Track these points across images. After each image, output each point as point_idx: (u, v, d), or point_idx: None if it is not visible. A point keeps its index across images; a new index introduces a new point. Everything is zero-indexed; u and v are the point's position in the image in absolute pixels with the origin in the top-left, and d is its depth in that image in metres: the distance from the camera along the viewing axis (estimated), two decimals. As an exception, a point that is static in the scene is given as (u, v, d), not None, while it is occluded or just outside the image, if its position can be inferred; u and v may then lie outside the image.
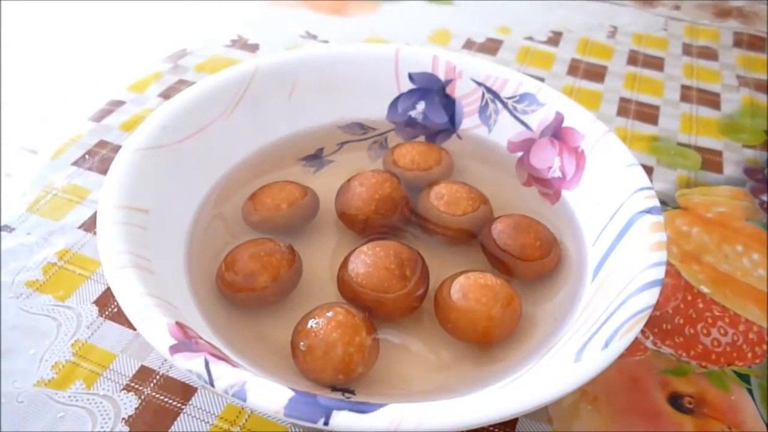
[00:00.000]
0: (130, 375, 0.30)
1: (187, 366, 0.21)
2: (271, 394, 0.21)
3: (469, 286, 0.27)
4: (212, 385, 0.21)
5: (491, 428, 0.29)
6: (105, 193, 0.27)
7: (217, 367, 0.21)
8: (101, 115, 0.45)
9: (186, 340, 0.22)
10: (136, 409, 0.29)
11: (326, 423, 0.20)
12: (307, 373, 0.25)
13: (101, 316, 0.32)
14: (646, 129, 0.47)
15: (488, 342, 0.27)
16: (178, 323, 0.23)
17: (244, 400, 0.21)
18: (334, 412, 0.20)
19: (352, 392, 0.25)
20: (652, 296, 0.24)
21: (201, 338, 0.23)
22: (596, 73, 0.53)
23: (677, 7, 0.63)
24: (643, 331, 0.33)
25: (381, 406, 0.21)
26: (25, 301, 0.33)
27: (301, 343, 0.25)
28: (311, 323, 0.25)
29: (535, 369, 0.25)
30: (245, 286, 0.27)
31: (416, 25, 0.58)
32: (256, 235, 0.31)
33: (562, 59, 0.55)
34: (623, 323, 0.23)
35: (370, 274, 0.27)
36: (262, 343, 0.27)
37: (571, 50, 0.56)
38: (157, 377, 0.30)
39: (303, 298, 0.29)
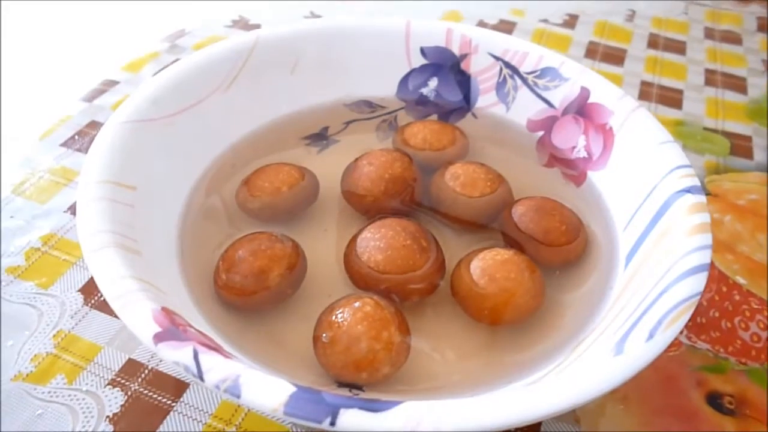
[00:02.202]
0: (116, 369, 0.27)
1: (173, 357, 0.19)
2: (269, 390, 0.18)
3: (489, 267, 0.25)
4: (201, 378, 0.18)
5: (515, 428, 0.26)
6: (87, 167, 0.25)
7: (208, 358, 0.19)
8: (93, 95, 0.43)
9: (173, 328, 0.19)
10: (121, 406, 0.26)
11: (333, 423, 0.17)
12: (328, 368, 0.23)
13: (86, 305, 0.30)
14: (671, 113, 0.45)
15: (527, 315, 0.25)
16: (164, 309, 0.20)
17: (238, 397, 0.18)
18: (342, 411, 0.18)
19: (361, 389, 0.23)
20: (698, 282, 0.22)
21: (191, 326, 0.21)
22: (615, 56, 0.50)
23: (697, -9, 0.61)
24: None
25: (396, 404, 0.18)
26: (5, 289, 0.30)
27: (324, 335, 0.23)
28: (336, 314, 0.23)
29: (567, 363, 0.22)
30: (258, 286, 0.24)
31: (426, 7, 0.55)
32: (255, 222, 0.28)
33: (578, 42, 0.52)
34: (668, 312, 0.21)
35: (391, 257, 0.25)
36: (261, 335, 0.25)
37: (588, 33, 0.53)
38: (146, 371, 0.27)
39: (309, 287, 0.26)
